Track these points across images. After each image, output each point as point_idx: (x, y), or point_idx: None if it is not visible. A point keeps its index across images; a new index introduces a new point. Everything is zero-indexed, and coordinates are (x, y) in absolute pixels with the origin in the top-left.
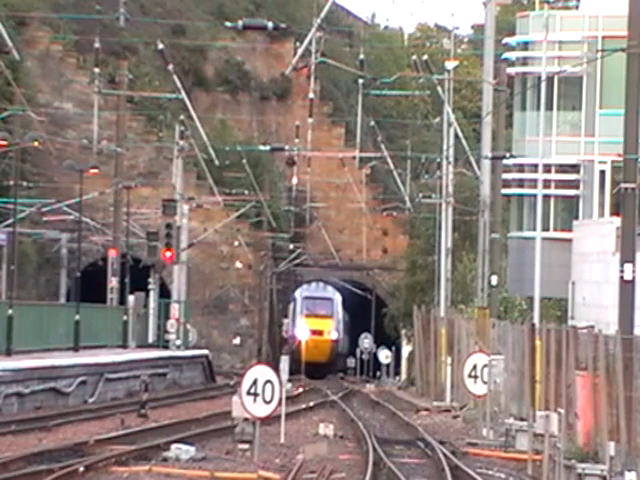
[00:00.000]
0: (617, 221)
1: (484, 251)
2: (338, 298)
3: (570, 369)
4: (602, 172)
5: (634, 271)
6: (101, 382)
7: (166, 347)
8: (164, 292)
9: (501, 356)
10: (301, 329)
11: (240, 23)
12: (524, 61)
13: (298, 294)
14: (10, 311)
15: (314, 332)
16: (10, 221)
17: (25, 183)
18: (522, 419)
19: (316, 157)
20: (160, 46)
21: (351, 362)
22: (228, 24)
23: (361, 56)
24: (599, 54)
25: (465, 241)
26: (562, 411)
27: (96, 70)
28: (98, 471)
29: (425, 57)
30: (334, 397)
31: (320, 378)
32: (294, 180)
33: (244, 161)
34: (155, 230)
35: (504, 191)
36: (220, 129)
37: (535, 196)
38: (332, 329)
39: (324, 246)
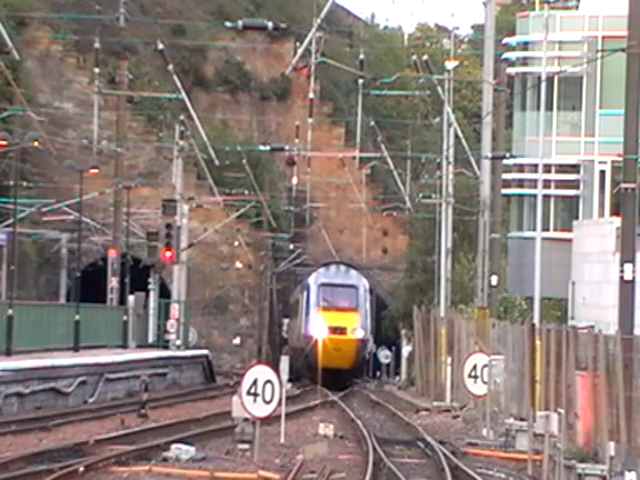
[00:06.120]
0: (617, 221)
1: (484, 251)
2: (365, 285)
3: (570, 369)
4: (602, 172)
5: (634, 271)
6: (101, 382)
7: (166, 347)
8: (164, 292)
9: (501, 356)
10: (317, 326)
11: (240, 23)
12: (524, 61)
13: (312, 280)
14: (10, 311)
15: (334, 330)
16: (10, 221)
17: (25, 183)
18: (522, 419)
19: (316, 157)
20: (160, 46)
21: None
22: (228, 24)
23: (361, 56)
24: (599, 54)
25: (464, 241)
26: (562, 411)
27: (96, 70)
28: (98, 471)
29: (425, 57)
30: (334, 397)
31: (341, 389)
32: (294, 180)
33: (244, 161)
34: (155, 230)
35: (504, 191)
36: (220, 129)
37: (535, 196)
38: (357, 326)
39: (324, 246)
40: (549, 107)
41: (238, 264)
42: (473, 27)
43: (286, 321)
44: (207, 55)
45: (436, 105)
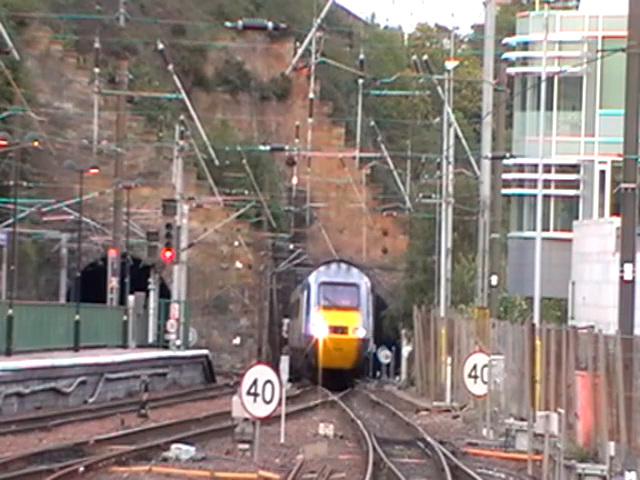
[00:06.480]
0: (617, 221)
1: (484, 251)
2: (366, 284)
3: (570, 369)
4: (602, 172)
5: (634, 271)
6: (101, 382)
7: (166, 347)
8: (164, 292)
9: (501, 356)
10: (318, 325)
11: (240, 23)
12: (524, 61)
13: (313, 279)
14: (10, 311)
15: (335, 329)
16: (10, 221)
17: (25, 183)
18: (522, 419)
19: (316, 157)
20: (160, 46)
21: None
22: (228, 24)
23: (361, 56)
24: (599, 54)
25: (464, 241)
26: (562, 411)
27: (96, 70)
28: (98, 471)
29: (425, 57)
30: (334, 397)
31: (341, 389)
32: (294, 180)
33: (244, 161)
34: (155, 230)
35: (504, 191)
36: (220, 129)
37: (535, 196)
38: (359, 325)
39: (324, 246)
40: (549, 107)
41: (238, 264)
42: (473, 27)
43: (286, 321)
44: (207, 55)
45: (436, 105)
